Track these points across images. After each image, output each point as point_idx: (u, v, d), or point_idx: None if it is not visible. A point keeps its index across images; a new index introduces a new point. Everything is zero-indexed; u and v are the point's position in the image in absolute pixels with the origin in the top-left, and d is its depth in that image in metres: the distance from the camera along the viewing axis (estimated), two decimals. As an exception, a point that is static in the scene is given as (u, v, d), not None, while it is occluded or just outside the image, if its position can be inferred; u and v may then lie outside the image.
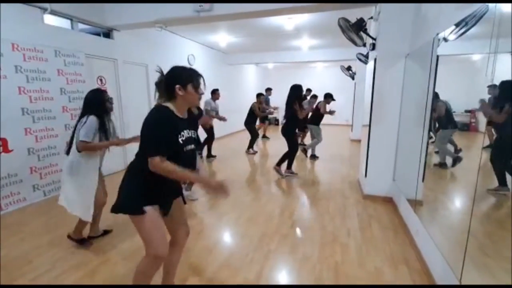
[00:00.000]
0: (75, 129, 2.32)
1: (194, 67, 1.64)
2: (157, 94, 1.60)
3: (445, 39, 2.07)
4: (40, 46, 3.58)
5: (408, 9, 3.08)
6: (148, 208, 1.48)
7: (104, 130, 2.34)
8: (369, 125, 3.54)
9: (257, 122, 7.22)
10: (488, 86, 1.45)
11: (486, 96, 1.56)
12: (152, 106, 1.55)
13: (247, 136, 6.93)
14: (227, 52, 9.00)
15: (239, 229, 2.88)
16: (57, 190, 3.86)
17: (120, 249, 2.50)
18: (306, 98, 6.39)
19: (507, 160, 1.44)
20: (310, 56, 8.85)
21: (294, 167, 4.79)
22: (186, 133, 1.53)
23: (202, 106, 4.97)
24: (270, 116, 8.76)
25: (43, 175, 3.69)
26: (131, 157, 1.63)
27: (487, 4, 1.51)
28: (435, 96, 2.20)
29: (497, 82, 1.41)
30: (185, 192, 3.36)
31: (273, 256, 2.38)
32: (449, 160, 2.29)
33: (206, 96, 4.88)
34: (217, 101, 5.77)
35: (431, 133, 2.37)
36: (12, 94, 3.31)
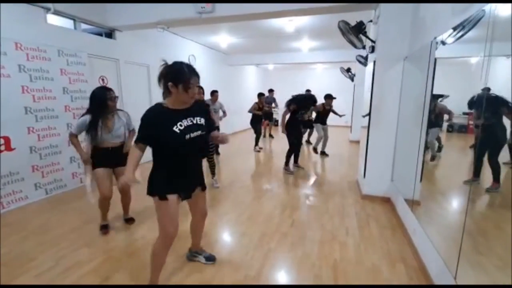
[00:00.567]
0: None
1: (194, 67, 1.68)
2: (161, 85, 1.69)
3: (443, 42, 2.12)
4: (43, 45, 3.62)
5: (406, 12, 3.13)
6: (168, 196, 1.70)
7: (94, 129, 2.46)
8: (368, 126, 3.59)
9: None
10: (482, 89, 1.50)
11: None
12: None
13: (250, 136, 7.03)
14: (227, 53, 9.05)
15: (239, 228, 2.91)
16: (59, 189, 3.90)
17: (124, 246, 2.53)
18: None
19: (481, 155, 1.62)
20: (310, 58, 8.90)
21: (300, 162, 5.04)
22: (187, 122, 1.65)
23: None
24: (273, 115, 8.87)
25: (45, 174, 3.72)
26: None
27: (483, 8, 1.55)
28: (439, 96, 2.27)
29: (491, 85, 1.46)
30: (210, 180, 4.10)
31: (273, 254, 2.42)
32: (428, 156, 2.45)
33: (206, 96, 4.90)
34: (216, 103, 5.51)
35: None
36: (15, 93, 3.34)
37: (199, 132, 1.71)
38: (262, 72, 13.17)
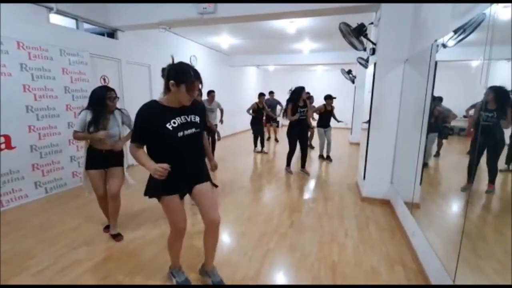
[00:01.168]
0: None
1: (195, 68, 1.69)
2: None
3: (444, 45, 2.12)
4: (45, 45, 3.63)
5: (407, 15, 3.14)
6: (165, 197, 1.73)
7: (96, 124, 2.44)
8: (368, 129, 3.59)
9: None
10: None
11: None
12: None
13: (250, 136, 7.04)
14: (228, 53, 9.07)
15: (239, 228, 2.91)
16: (58, 188, 3.90)
17: (123, 245, 2.53)
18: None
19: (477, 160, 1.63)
20: (310, 59, 8.91)
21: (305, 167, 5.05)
22: (180, 120, 1.66)
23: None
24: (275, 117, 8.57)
25: (45, 172, 3.72)
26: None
27: (484, 12, 1.56)
28: (439, 100, 2.27)
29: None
30: None
31: (272, 254, 2.42)
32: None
33: (205, 96, 4.92)
34: (213, 103, 5.44)
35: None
36: (17, 92, 3.35)
37: (193, 130, 1.71)
38: (263, 73, 13.19)
